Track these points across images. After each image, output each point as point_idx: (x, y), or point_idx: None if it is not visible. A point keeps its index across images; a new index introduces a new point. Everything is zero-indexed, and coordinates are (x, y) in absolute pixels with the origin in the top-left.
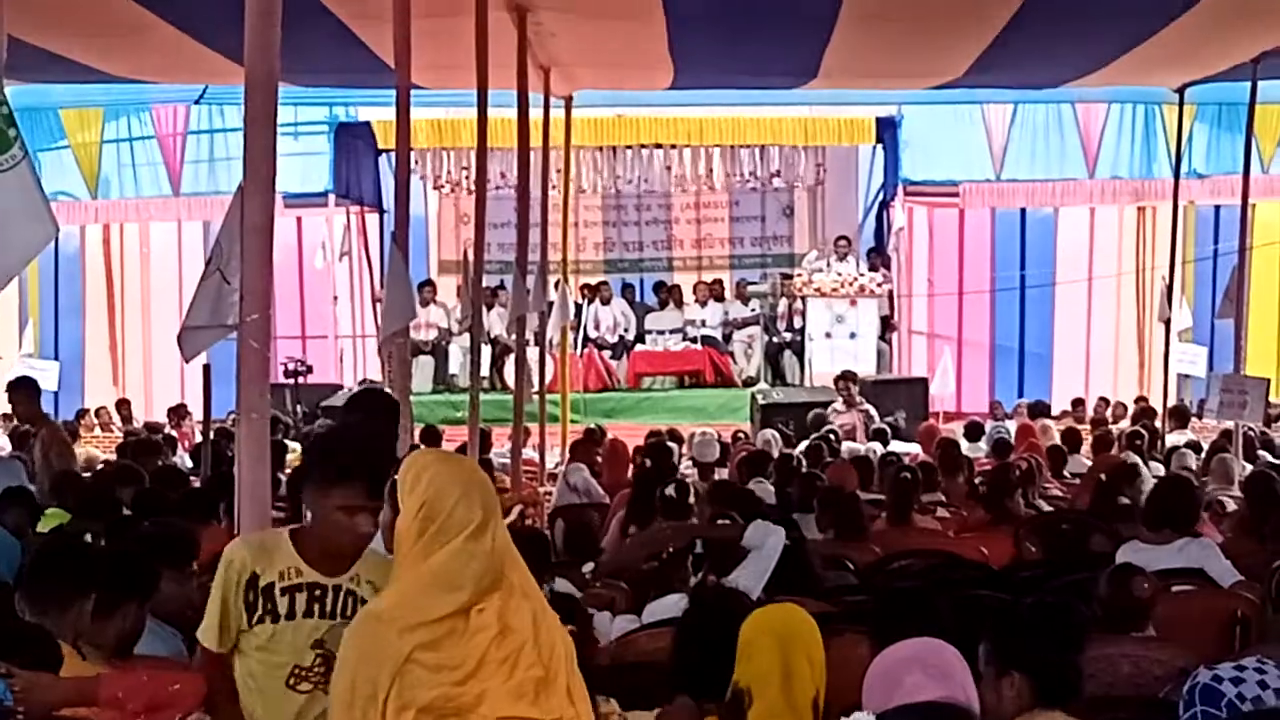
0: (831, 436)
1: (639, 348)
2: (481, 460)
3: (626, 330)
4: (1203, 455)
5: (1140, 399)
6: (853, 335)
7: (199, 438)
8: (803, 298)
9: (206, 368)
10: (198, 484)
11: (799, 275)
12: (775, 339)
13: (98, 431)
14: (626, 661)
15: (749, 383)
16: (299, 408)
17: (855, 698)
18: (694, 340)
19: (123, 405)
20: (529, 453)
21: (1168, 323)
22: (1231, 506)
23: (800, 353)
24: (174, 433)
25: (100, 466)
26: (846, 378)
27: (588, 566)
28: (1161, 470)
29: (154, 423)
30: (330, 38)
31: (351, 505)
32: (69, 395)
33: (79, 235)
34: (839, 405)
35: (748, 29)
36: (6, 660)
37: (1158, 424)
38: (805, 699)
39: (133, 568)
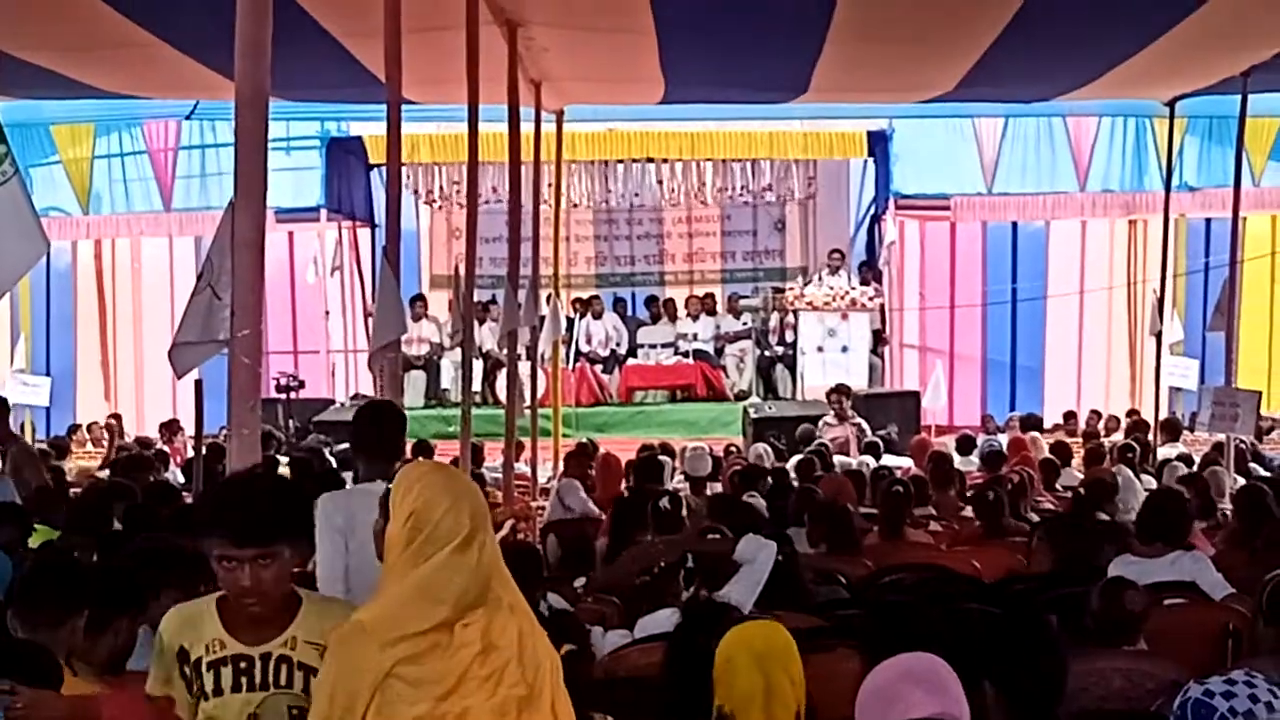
0: (824, 450)
1: (631, 362)
2: (474, 475)
3: (618, 344)
4: (1194, 468)
5: (1132, 412)
6: (844, 349)
7: (191, 453)
8: (794, 311)
9: (199, 383)
10: (190, 500)
11: (791, 289)
12: (767, 353)
13: (89, 447)
14: (619, 676)
15: (741, 396)
16: (291, 423)
17: (846, 712)
18: (686, 354)
19: (114, 420)
20: (521, 467)
21: (1159, 335)
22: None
23: (792, 366)
24: (166, 448)
25: (90, 481)
26: (839, 391)
27: (579, 581)
28: (1153, 483)
29: (145, 438)
30: (321, 53)
31: (224, 555)
32: (61, 410)
33: (70, 251)
34: (831, 419)
35: (739, 44)
36: (9, 678)
37: (1149, 437)
38: (788, 716)
39: (124, 584)
